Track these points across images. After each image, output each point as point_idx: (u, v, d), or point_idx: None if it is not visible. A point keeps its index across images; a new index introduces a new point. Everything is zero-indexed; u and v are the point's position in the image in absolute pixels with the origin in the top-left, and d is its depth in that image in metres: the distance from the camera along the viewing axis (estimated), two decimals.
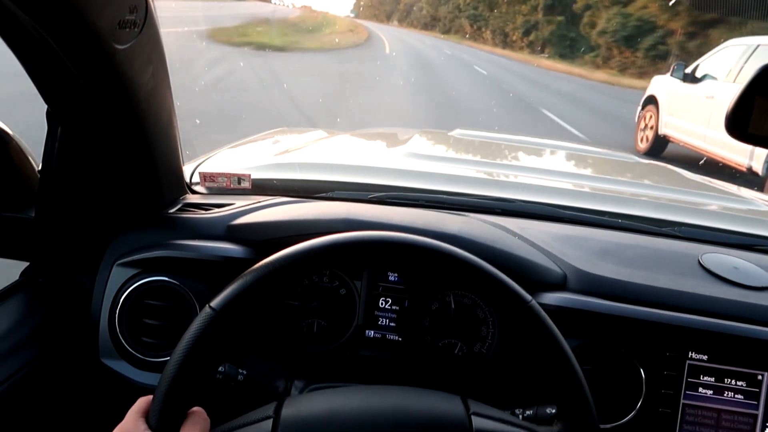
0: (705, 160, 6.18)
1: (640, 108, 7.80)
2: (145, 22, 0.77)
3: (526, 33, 34.35)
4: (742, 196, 1.64)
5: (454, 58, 22.77)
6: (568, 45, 28.55)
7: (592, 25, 25.92)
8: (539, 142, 2.11)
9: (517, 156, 1.92)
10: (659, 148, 7.13)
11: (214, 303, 0.66)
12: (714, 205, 1.48)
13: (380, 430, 0.65)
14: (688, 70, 6.86)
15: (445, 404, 0.70)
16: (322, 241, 0.70)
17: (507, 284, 0.71)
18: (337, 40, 23.77)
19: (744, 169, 5.53)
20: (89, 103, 0.79)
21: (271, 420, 0.66)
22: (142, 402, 0.65)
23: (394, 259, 0.73)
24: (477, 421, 0.68)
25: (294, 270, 0.69)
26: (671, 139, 6.98)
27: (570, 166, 1.85)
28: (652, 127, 7.32)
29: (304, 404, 0.69)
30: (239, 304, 0.66)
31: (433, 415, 0.68)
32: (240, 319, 0.67)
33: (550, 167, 1.74)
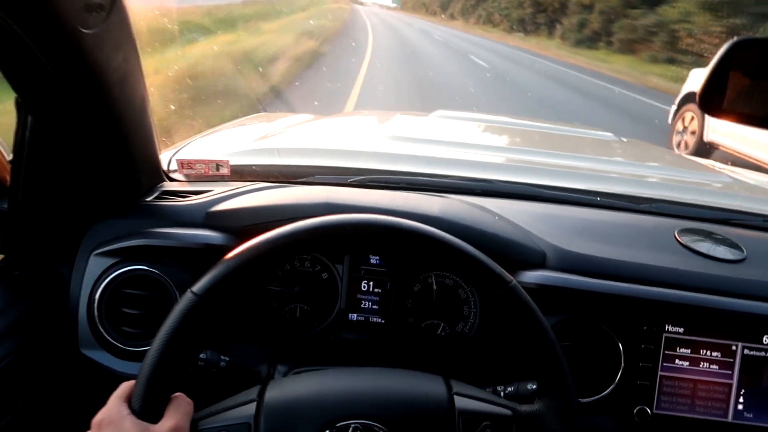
0: None
1: (675, 107, 6.57)
2: (113, 5, 0.75)
3: None
4: (717, 171, 1.67)
5: None
6: None
7: None
8: (519, 123, 2.11)
9: (497, 137, 1.93)
10: (702, 156, 5.70)
11: (195, 288, 0.66)
12: (689, 180, 1.50)
13: (363, 411, 0.66)
14: None
15: (428, 385, 0.71)
16: (304, 224, 0.70)
17: (488, 265, 0.71)
18: None
19: None
20: (59, 90, 0.77)
21: (254, 403, 0.66)
22: (125, 387, 0.65)
23: (377, 242, 0.73)
24: (459, 401, 0.69)
25: (276, 254, 0.69)
26: (722, 148, 5.76)
27: (548, 146, 1.86)
28: (693, 132, 6.10)
29: (287, 387, 0.69)
30: (221, 289, 0.66)
31: (416, 396, 0.69)
32: (222, 304, 0.67)
33: (529, 147, 1.75)
